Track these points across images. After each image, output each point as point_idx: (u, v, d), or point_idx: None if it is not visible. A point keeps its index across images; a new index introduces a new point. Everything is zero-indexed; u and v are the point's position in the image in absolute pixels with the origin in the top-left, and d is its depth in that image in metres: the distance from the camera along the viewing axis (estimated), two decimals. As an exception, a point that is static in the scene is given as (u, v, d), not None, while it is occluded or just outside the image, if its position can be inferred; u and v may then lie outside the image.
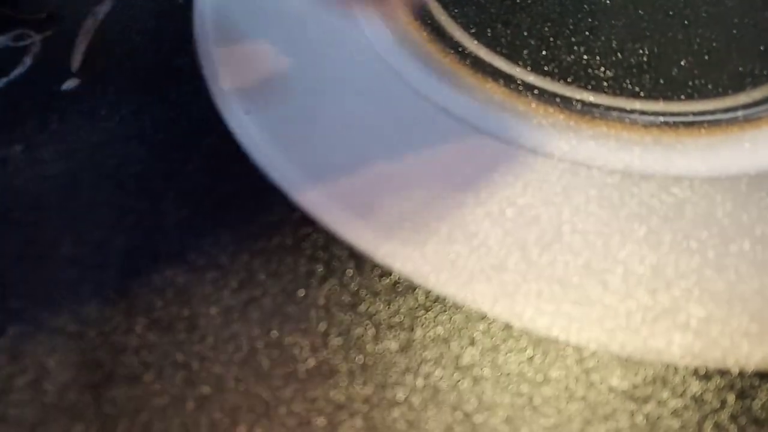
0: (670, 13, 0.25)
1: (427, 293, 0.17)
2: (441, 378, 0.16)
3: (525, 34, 0.23)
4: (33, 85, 0.20)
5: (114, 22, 0.22)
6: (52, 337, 0.17)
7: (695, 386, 0.16)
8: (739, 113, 0.22)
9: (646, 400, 0.16)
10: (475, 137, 0.21)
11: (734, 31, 0.24)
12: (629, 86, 0.22)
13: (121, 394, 0.16)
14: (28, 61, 0.21)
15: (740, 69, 0.23)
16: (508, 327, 0.17)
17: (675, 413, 0.16)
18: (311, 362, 0.16)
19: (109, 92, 0.20)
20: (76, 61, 0.22)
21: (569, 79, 0.22)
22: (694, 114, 0.22)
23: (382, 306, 0.17)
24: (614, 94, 0.22)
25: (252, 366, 0.16)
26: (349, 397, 0.16)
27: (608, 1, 0.24)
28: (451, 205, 0.19)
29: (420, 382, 0.16)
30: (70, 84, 0.21)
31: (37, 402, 0.16)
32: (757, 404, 0.16)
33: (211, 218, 0.19)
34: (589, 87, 0.22)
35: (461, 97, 0.21)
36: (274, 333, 0.17)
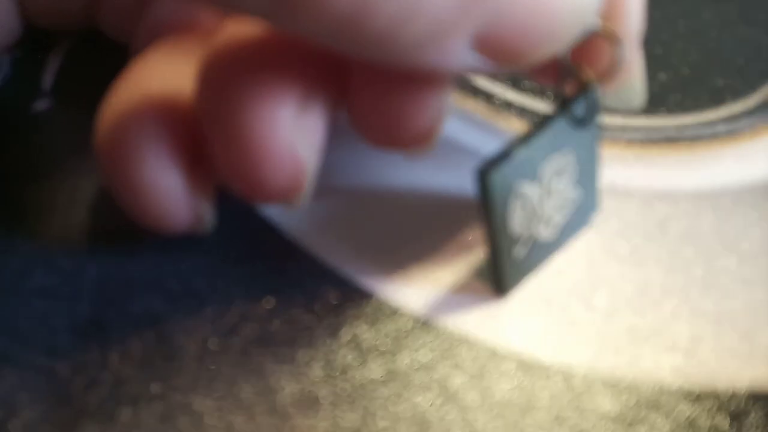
0: (648, 27, 0.25)
1: (411, 317, 0.17)
2: (427, 405, 0.16)
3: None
4: (2, 107, 0.19)
5: (88, 41, 0.22)
6: (19, 371, 0.16)
7: (687, 409, 0.16)
8: (720, 127, 0.22)
9: (637, 424, 0.15)
10: (454, 154, 0.20)
11: (712, 46, 0.24)
12: (609, 103, 0.22)
13: (94, 429, 0.15)
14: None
15: (720, 83, 0.23)
16: (494, 351, 0.17)
17: (667, 437, 0.15)
18: (293, 391, 0.16)
19: (82, 113, 0.19)
20: (48, 81, 0.21)
21: (550, 97, 0.22)
22: (675, 129, 0.22)
23: (365, 330, 0.17)
24: (595, 110, 0.22)
25: (231, 397, 0.16)
26: (333, 426, 0.15)
27: (586, 17, 0.24)
28: (432, 226, 0.19)
29: (405, 410, 0.16)
30: (41, 104, 0.21)
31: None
32: (749, 426, 0.15)
33: (188, 244, 0.18)
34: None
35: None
36: (255, 362, 0.16)
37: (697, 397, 0.16)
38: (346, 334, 0.17)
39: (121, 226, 0.18)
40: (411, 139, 0.16)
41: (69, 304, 0.17)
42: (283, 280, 0.18)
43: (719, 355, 0.17)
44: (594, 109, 0.17)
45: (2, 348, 0.17)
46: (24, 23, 0.19)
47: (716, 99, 0.23)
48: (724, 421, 0.16)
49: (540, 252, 0.18)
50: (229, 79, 0.15)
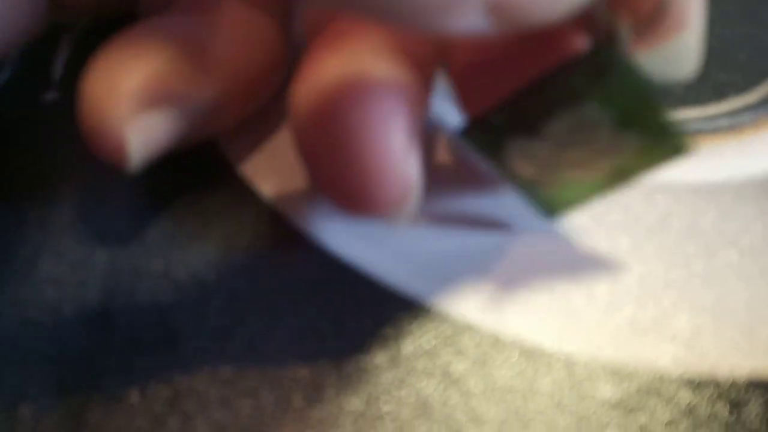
0: (651, 24, 0.25)
1: (415, 304, 0.17)
2: (430, 391, 0.16)
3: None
4: (12, 96, 0.20)
5: (97, 31, 0.22)
6: (28, 358, 0.16)
7: (687, 396, 0.16)
8: (723, 122, 0.22)
9: (637, 410, 0.16)
10: (455, 148, 0.20)
11: (714, 42, 0.24)
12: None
13: (102, 416, 0.15)
14: (5, 72, 0.21)
15: (722, 78, 0.23)
16: (496, 338, 0.17)
17: (668, 424, 0.15)
18: (298, 377, 0.16)
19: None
20: (57, 71, 0.21)
21: None
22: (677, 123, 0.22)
23: (369, 317, 0.17)
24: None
25: (237, 383, 0.16)
26: (337, 410, 0.16)
27: (590, 13, 0.24)
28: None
29: (408, 395, 0.16)
30: (50, 95, 0.21)
31: (13, 428, 0.15)
32: (749, 414, 0.16)
33: (195, 235, 0.18)
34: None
35: (443, 104, 0.21)
36: (261, 349, 0.17)
37: (697, 385, 0.16)
38: (350, 322, 0.17)
39: (130, 217, 0.19)
40: None
41: (77, 293, 0.17)
42: (290, 269, 0.18)
43: (720, 347, 0.17)
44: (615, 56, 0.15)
45: (11, 336, 0.17)
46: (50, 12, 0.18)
47: (718, 94, 0.23)
48: (724, 409, 0.16)
49: None
50: (341, 98, 0.15)
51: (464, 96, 0.17)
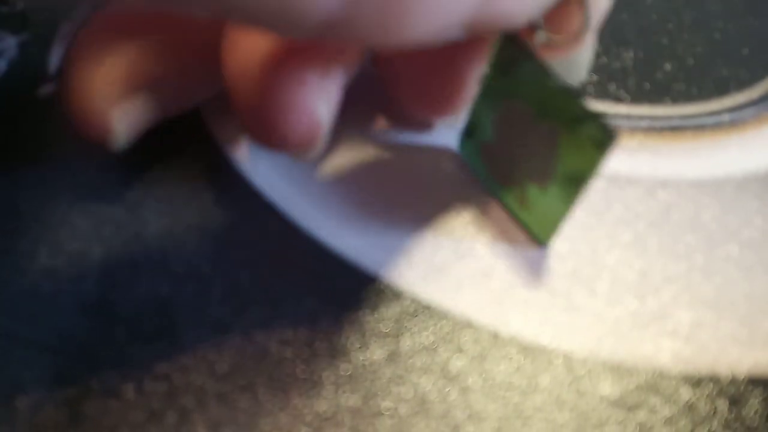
0: (654, 17, 0.25)
1: (414, 300, 0.17)
2: (428, 387, 0.16)
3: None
4: (9, 89, 0.20)
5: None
6: (26, 350, 0.16)
7: (687, 393, 0.16)
8: (725, 117, 0.22)
9: (637, 407, 0.16)
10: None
11: (717, 36, 0.24)
12: (614, 91, 0.22)
13: (98, 408, 0.15)
14: (3, 65, 0.21)
15: (724, 73, 0.23)
16: (495, 335, 0.17)
17: (667, 421, 0.15)
18: (296, 372, 0.16)
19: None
20: (54, 65, 0.21)
21: None
22: (680, 118, 0.22)
23: (368, 313, 0.17)
24: (599, 98, 0.22)
25: (234, 377, 0.16)
26: (335, 406, 0.15)
27: (592, 6, 0.24)
28: (437, 210, 0.19)
29: (407, 391, 0.16)
30: (47, 89, 0.21)
31: (10, 419, 0.15)
32: (749, 411, 0.16)
33: (194, 227, 0.18)
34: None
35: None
36: (258, 344, 0.16)
37: (697, 382, 0.16)
38: (349, 317, 0.17)
39: (127, 209, 0.18)
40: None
41: (75, 286, 0.17)
42: (287, 263, 0.18)
43: (719, 341, 0.17)
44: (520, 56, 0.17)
45: (9, 328, 0.17)
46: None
47: (721, 89, 0.23)
48: (723, 406, 0.16)
49: None
50: (262, 56, 0.16)
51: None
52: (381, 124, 0.20)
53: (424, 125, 0.20)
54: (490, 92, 0.18)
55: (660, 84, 0.22)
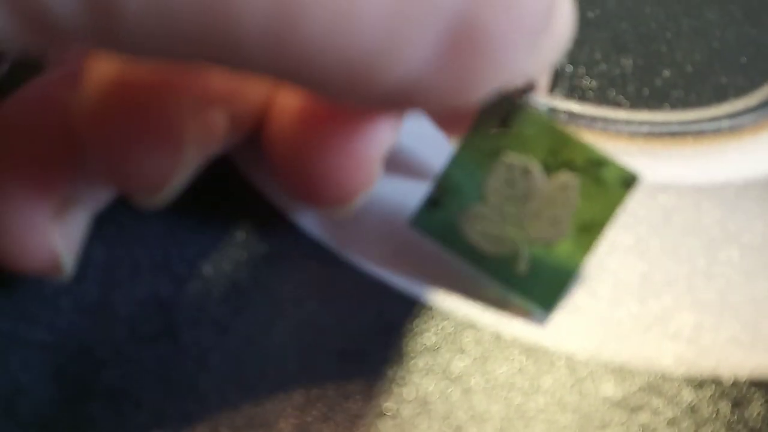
0: (653, 25, 0.25)
1: (416, 301, 0.17)
2: (431, 388, 0.16)
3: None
4: (10, 91, 0.20)
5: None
6: (27, 351, 0.16)
7: (689, 395, 0.16)
8: (724, 123, 0.22)
9: (639, 409, 0.16)
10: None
11: (716, 44, 0.24)
12: (614, 96, 0.22)
13: (99, 409, 0.15)
14: (4, 66, 0.21)
15: (723, 81, 0.23)
16: (498, 336, 0.17)
17: (669, 423, 0.15)
18: (297, 372, 0.16)
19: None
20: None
21: (554, 90, 0.22)
22: (679, 124, 0.22)
23: (371, 314, 0.17)
24: (599, 104, 0.22)
25: (236, 379, 0.16)
26: (336, 407, 0.15)
27: (592, 14, 0.25)
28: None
29: (409, 392, 0.16)
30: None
31: (10, 420, 0.15)
32: (751, 413, 0.16)
33: (195, 227, 0.18)
34: (574, 97, 0.22)
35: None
36: (260, 343, 0.16)
37: (699, 384, 0.16)
38: (351, 318, 0.17)
39: (127, 209, 0.18)
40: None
41: (75, 286, 0.17)
42: (289, 264, 0.18)
43: (721, 343, 0.17)
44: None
45: (10, 328, 0.17)
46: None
47: (719, 96, 0.23)
48: (725, 408, 0.16)
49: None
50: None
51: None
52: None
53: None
54: (476, 154, 0.16)
55: (659, 91, 0.23)
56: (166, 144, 0.15)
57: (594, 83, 0.23)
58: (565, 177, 0.16)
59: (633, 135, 0.21)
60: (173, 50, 0.11)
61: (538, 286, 0.17)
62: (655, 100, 0.22)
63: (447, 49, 0.12)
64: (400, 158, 0.19)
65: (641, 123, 0.22)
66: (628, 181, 0.16)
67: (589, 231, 0.16)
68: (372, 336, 0.17)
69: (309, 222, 0.19)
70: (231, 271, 0.18)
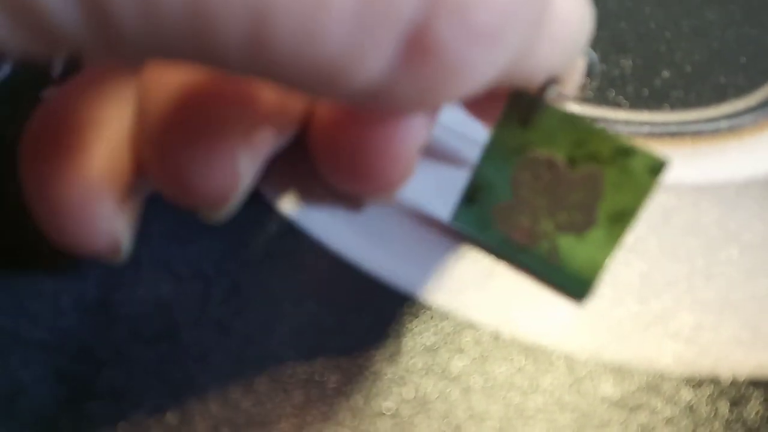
0: (653, 25, 0.25)
1: (415, 301, 0.17)
2: (430, 388, 0.16)
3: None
4: (11, 93, 0.20)
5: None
6: (28, 350, 0.16)
7: (688, 395, 0.16)
8: (723, 123, 0.22)
9: (638, 409, 0.16)
10: (460, 146, 0.20)
11: (715, 45, 0.24)
12: (613, 97, 0.22)
13: (100, 408, 0.15)
14: (6, 67, 0.21)
15: (722, 81, 0.23)
16: (497, 335, 0.17)
17: (668, 422, 0.15)
18: (298, 372, 0.16)
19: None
20: (57, 67, 0.21)
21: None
22: (679, 124, 0.22)
23: (370, 313, 0.17)
24: (598, 104, 0.22)
25: (237, 378, 0.16)
26: (337, 405, 0.15)
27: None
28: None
29: (408, 392, 0.16)
30: (50, 91, 0.21)
31: (10, 420, 0.15)
32: (750, 413, 0.16)
33: (196, 227, 0.18)
34: (574, 98, 0.22)
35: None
36: (260, 344, 0.16)
37: (698, 384, 0.16)
38: (351, 318, 0.17)
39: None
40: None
41: (77, 285, 0.17)
42: (290, 264, 0.18)
43: (721, 343, 0.17)
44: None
45: (11, 327, 0.17)
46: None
47: (719, 96, 0.23)
48: (724, 407, 0.16)
49: None
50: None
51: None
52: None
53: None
54: (503, 150, 0.17)
55: (658, 91, 0.23)
56: (221, 159, 0.16)
57: (594, 84, 0.23)
58: (590, 168, 0.17)
59: (632, 136, 0.21)
60: (164, 53, 0.12)
61: (573, 274, 0.17)
62: (655, 100, 0.22)
63: (404, 57, 0.12)
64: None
65: (641, 123, 0.22)
66: (656, 168, 0.16)
67: (621, 220, 0.17)
68: (372, 336, 0.17)
69: (309, 222, 0.19)
70: (231, 271, 0.18)
